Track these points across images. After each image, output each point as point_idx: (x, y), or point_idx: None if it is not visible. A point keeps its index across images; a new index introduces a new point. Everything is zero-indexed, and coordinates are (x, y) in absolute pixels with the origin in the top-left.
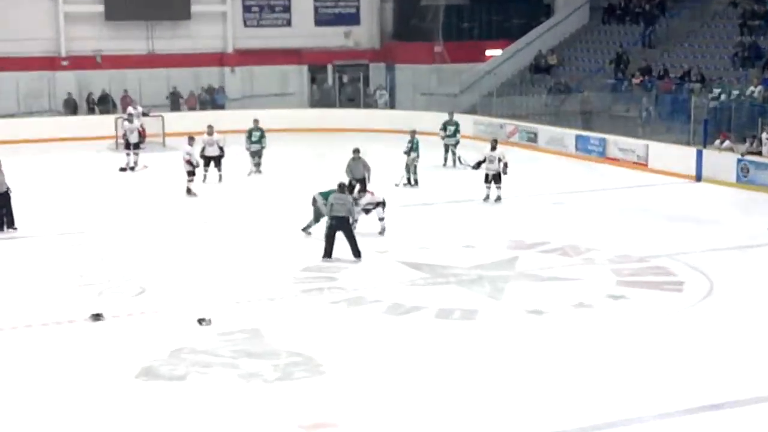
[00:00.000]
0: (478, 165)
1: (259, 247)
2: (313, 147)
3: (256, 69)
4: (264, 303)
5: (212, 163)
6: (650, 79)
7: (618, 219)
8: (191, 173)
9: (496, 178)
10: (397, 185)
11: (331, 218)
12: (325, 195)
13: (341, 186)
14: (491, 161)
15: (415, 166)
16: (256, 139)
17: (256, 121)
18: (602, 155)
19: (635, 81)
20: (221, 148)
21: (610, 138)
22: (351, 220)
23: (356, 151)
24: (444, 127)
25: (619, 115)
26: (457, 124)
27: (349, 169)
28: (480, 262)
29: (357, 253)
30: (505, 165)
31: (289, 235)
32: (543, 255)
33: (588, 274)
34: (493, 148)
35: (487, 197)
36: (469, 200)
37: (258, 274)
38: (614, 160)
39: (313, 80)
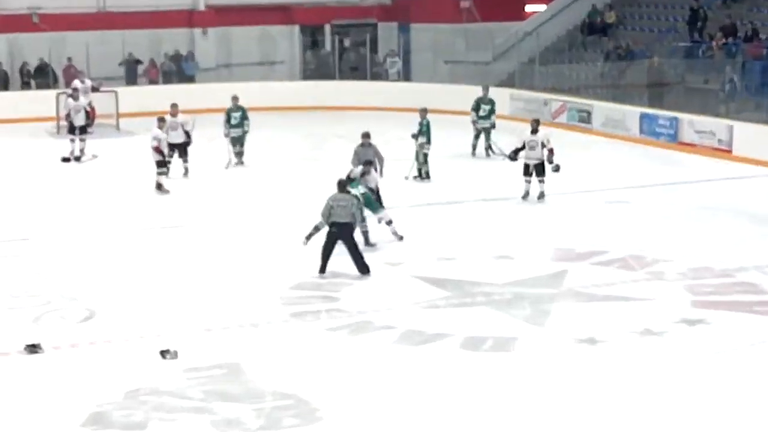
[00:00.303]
0: (515, 153)
1: (239, 258)
2: (307, 130)
3: (234, 31)
4: (244, 330)
5: (176, 152)
6: (735, 42)
7: (694, 221)
8: (162, 164)
9: (539, 169)
10: (406, 178)
11: (331, 225)
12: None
13: (342, 183)
14: (532, 148)
15: (425, 155)
16: (236, 121)
17: (235, 99)
18: (674, 139)
19: (716, 44)
20: (187, 133)
21: (684, 117)
22: (358, 227)
23: (366, 135)
24: (477, 106)
25: (695, 87)
26: (492, 103)
27: (357, 159)
28: (518, 278)
29: (363, 267)
30: (551, 152)
31: (277, 243)
32: (598, 268)
33: (656, 293)
34: (534, 131)
35: (526, 194)
36: (503, 198)
37: (237, 293)
38: (689, 146)
39: (307, 45)
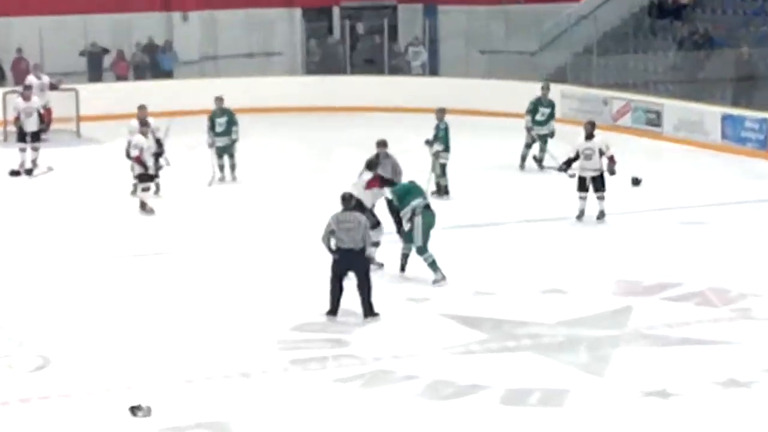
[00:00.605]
0: (568, 164)
1: (228, 294)
2: (311, 136)
3: (221, 15)
4: (233, 382)
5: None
6: None
7: None
8: (145, 177)
9: (597, 183)
10: (432, 194)
11: (335, 252)
12: (404, 192)
13: (346, 198)
14: (587, 157)
15: (443, 166)
16: (221, 128)
17: (219, 100)
18: (764, 146)
19: None
20: (159, 141)
21: None
22: (369, 255)
23: (382, 144)
24: (534, 108)
25: None
26: (553, 106)
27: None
28: (572, 316)
29: (369, 308)
30: (611, 161)
31: (274, 276)
32: (671, 304)
33: (743, 335)
34: (589, 137)
35: (582, 214)
36: (553, 219)
37: (225, 335)
38: None
39: (311, 32)
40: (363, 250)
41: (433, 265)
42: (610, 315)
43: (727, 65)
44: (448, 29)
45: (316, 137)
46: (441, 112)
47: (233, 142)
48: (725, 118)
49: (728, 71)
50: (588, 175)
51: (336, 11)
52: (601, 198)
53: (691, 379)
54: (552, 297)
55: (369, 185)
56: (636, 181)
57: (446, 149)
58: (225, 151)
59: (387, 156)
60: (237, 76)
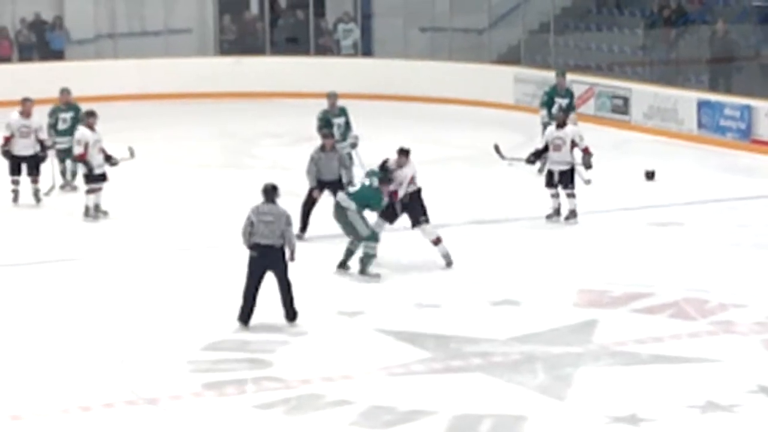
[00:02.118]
0: (536, 156)
1: (130, 309)
2: (226, 127)
3: None
4: (138, 409)
5: (25, 168)
6: None
7: None
8: (92, 178)
9: (566, 178)
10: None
11: (252, 247)
12: (360, 197)
13: (267, 190)
14: (557, 148)
15: (350, 156)
16: (65, 126)
17: (65, 92)
18: (746, 137)
19: None
20: (42, 143)
21: (761, 106)
22: (290, 253)
23: (327, 134)
24: (549, 100)
25: None
26: (571, 96)
27: (315, 167)
28: (528, 331)
29: (291, 311)
30: (586, 153)
31: (184, 287)
32: (642, 317)
33: (723, 351)
34: (561, 126)
35: (555, 212)
36: (506, 220)
37: (128, 355)
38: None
39: (224, 6)
40: (278, 247)
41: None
42: (572, 329)
43: (703, 44)
44: (383, 4)
45: (232, 128)
46: (332, 98)
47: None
48: (702, 105)
49: (704, 51)
50: (557, 168)
51: None
52: (571, 195)
53: (664, 402)
54: (505, 309)
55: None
56: (650, 175)
57: (352, 137)
58: (69, 154)
59: (333, 151)
60: (138, 57)
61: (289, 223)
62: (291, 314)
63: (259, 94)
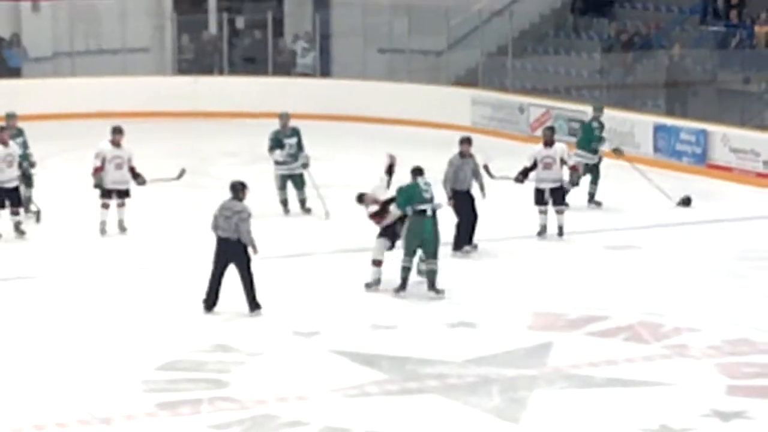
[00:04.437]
0: (523, 175)
1: (83, 327)
2: (184, 145)
3: (78, 6)
4: (93, 428)
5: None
6: None
7: (730, 276)
8: (103, 193)
9: (557, 195)
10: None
11: (217, 241)
12: (409, 194)
13: (232, 186)
14: (547, 166)
15: (301, 176)
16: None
17: (12, 119)
18: (701, 161)
19: (760, 30)
20: (25, 171)
21: (716, 130)
22: (251, 248)
23: (465, 141)
24: (590, 131)
25: (731, 89)
26: (601, 125)
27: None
28: (483, 353)
29: (252, 304)
30: (573, 170)
31: (138, 306)
32: (596, 340)
33: (678, 375)
34: (549, 144)
35: (543, 230)
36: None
37: (80, 375)
38: (723, 170)
39: (182, 26)
40: (235, 241)
41: (404, 270)
42: (527, 352)
43: (660, 69)
44: (342, 25)
45: (189, 147)
46: (284, 118)
47: (31, 165)
48: (657, 129)
49: (661, 75)
50: (547, 186)
51: (212, 2)
52: (560, 212)
53: (618, 425)
54: (460, 331)
55: (375, 221)
56: (686, 201)
57: (301, 157)
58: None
59: (470, 155)
60: (96, 75)
61: (242, 218)
62: (252, 306)
63: (217, 113)
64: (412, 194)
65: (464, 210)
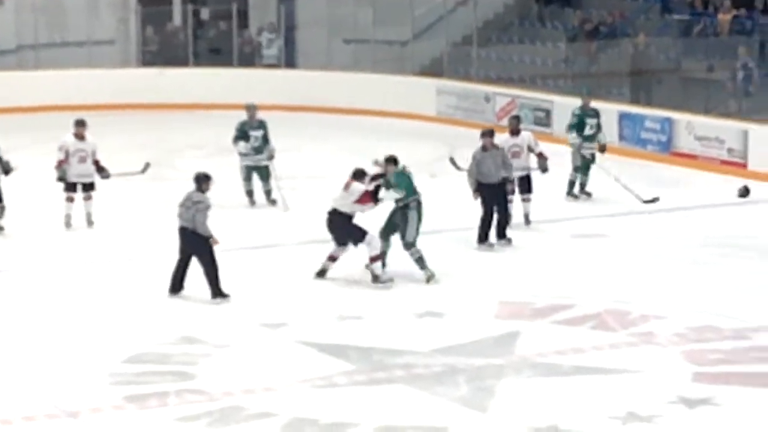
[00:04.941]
0: None
1: (49, 321)
2: (149, 137)
3: None
4: (59, 422)
5: None
6: (750, 15)
7: (695, 263)
8: (66, 186)
9: (524, 184)
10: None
11: (178, 231)
12: (401, 182)
13: (196, 178)
14: (515, 155)
15: (267, 168)
16: None
17: None
18: (666, 149)
19: (723, 18)
20: (4, 166)
21: (681, 118)
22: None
23: (487, 134)
24: (580, 122)
25: (696, 77)
26: (599, 115)
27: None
28: (450, 343)
29: (214, 290)
30: (541, 157)
31: (104, 299)
32: (563, 328)
33: (644, 362)
34: (516, 132)
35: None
36: (435, 231)
37: (47, 368)
38: (688, 157)
39: (147, 17)
40: (191, 230)
41: (420, 260)
42: (494, 341)
43: (624, 57)
44: (307, 15)
45: (155, 139)
46: (251, 110)
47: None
48: (622, 117)
49: (625, 64)
50: (516, 175)
51: None
52: (526, 200)
53: (585, 413)
54: (427, 321)
55: (362, 200)
56: (745, 192)
57: (260, 151)
58: None
59: (496, 148)
60: (60, 67)
61: (199, 209)
62: (213, 293)
63: (182, 105)
64: (410, 182)
65: (489, 203)
